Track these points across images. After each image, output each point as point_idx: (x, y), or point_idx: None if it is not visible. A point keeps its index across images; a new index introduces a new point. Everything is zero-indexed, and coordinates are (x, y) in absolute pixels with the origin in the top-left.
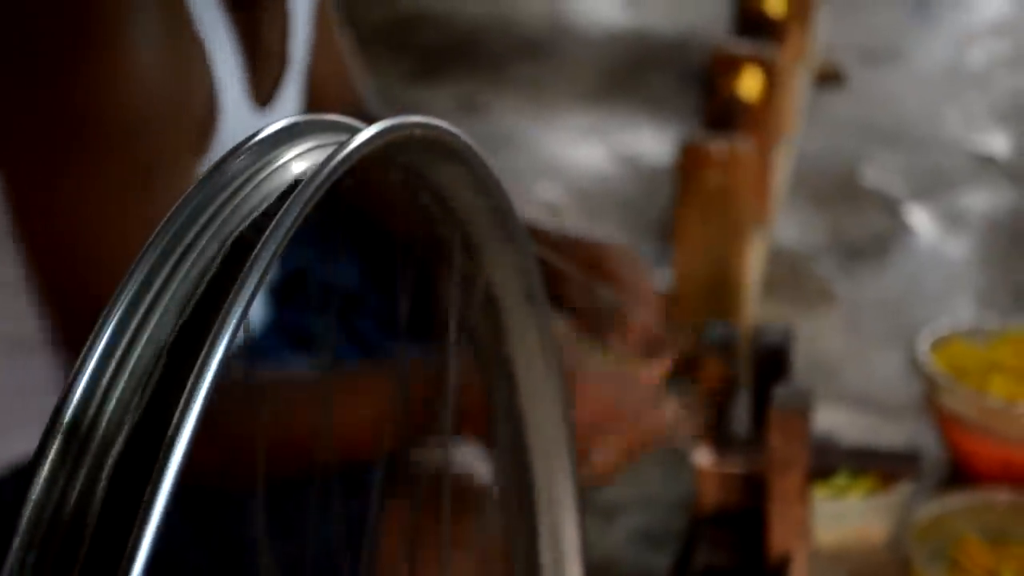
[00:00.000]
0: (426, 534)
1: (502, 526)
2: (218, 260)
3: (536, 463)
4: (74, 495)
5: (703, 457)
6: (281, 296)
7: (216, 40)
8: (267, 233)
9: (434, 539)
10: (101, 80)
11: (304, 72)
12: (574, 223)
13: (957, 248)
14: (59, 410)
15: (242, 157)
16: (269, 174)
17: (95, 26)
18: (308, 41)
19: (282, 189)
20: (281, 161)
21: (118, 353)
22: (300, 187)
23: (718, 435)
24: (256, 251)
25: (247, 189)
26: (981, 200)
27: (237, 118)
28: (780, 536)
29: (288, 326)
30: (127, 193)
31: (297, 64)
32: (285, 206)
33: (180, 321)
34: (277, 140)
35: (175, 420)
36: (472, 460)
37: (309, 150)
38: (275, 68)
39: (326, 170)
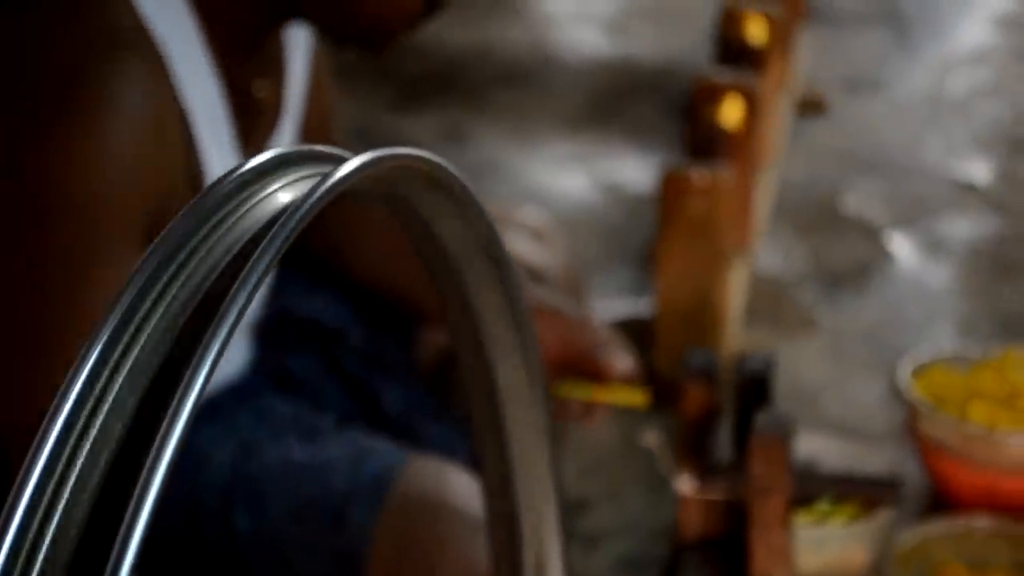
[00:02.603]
0: (414, 560)
1: (489, 552)
2: (190, 307)
3: (520, 488)
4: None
5: (685, 484)
6: (264, 335)
7: (205, 103)
8: (242, 275)
9: (423, 564)
10: (67, 158)
11: (300, 121)
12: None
13: (938, 276)
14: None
15: (224, 190)
16: (250, 207)
17: (75, 103)
18: (305, 89)
19: (259, 226)
20: (264, 193)
21: (98, 386)
22: (282, 219)
23: (700, 462)
24: (233, 291)
25: (228, 223)
26: (962, 228)
27: None
28: (762, 562)
29: (271, 366)
30: (69, 276)
31: (293, 113)
32: (265, 240)
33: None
34: (261, 172)
35: (140, 483)
36: (459, 483)
37: (294, 181)
38: (267, 118)
39: (309, 201)
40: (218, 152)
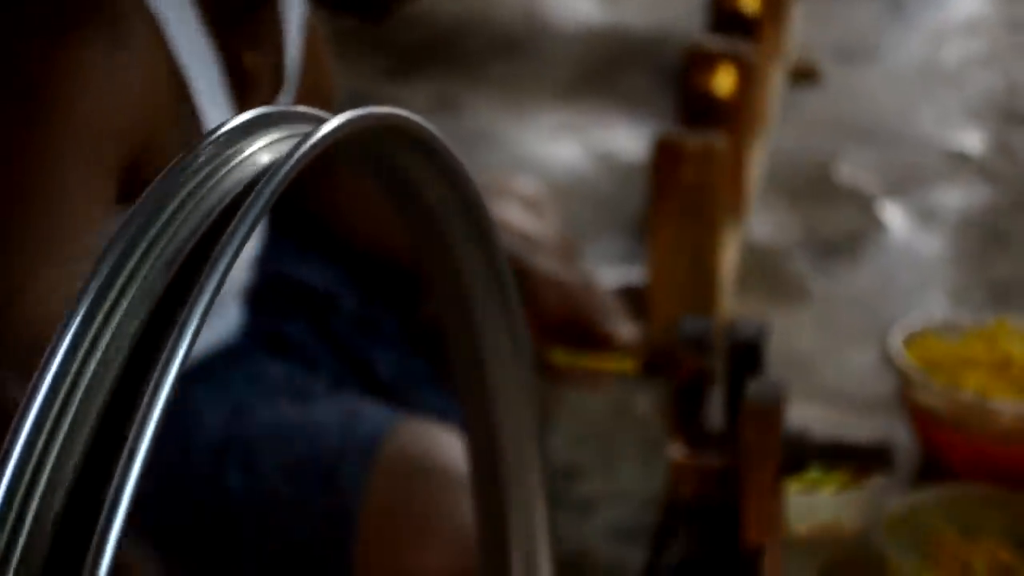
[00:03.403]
0: (405, 521)
1: (475, 514)
2: (173, 268)
3: (505, 450)
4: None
5: (677, 451)
6: (257, 300)
7: (200, 68)
8: (224, 236)
9: (414, 527)
10: (50, 81)
11: (296, 90)
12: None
13: (931, 244)
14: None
15: (204, 151)
16: (232, 168)
17: (70, 38)
18: (299, 58)
19: (240, 187)
20: (245, 154)
21: (79, 355)
22: (264, 179)
23: (692, 429)
24: (216, 252)
25: (209, 184)
26: (955, 197)
27: None
28: (753, 529)
29: (263, 330)
30: (27, 191)
31: (290, 83)
32: (247, 201)
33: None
34: (241, 131)
35: (126, 449)
36: (451, 446)
37: (275, 141)
38: (266, 89)
39: (291, 161)
40: (217, 116)
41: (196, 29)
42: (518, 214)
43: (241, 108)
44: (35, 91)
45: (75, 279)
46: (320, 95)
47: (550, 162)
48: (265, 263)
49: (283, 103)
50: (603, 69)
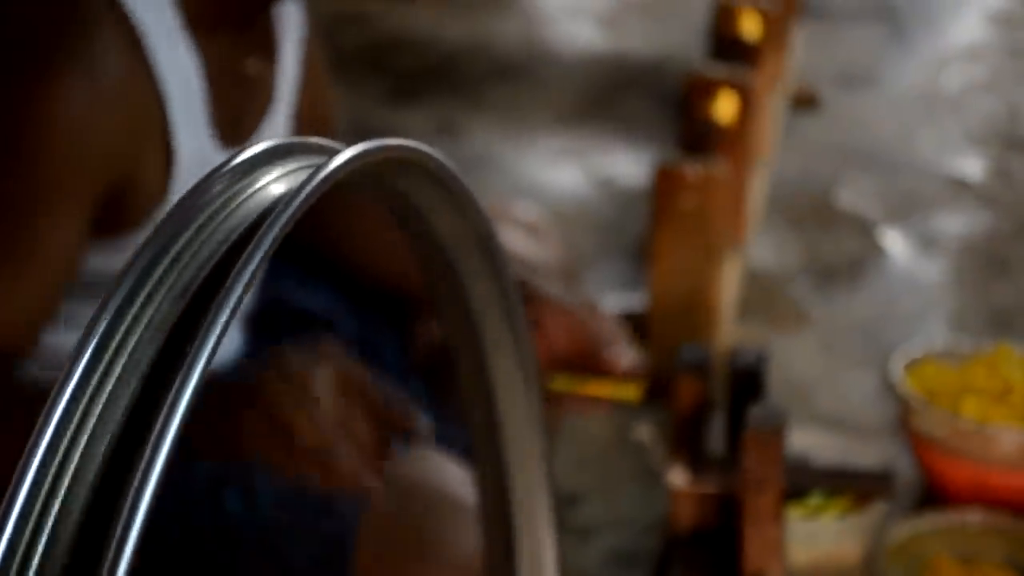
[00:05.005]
0: (403, 547)
1: (482, 540)
2: (185, 300)
3: (513, 478)
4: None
5: (678, 477)
6: (257, 326)
7: (180, 79)
8: (236, 268)
9: (412, 552)
10: (27, 111)
11: (293, 109)
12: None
13: (931, 271)
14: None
15: (217, 181)
16: (244, 200)
17: (42, 62)
18: (297, 77)
19: (253, 218)
20: (257, 185)
21: (96, 374)
22: (276, 212)
23: (693, 455)
24: (225, 288)
25: (222, 215)
26: (955, 223)
27: (200, 158)
28: (754, 556)
29: (264, 356)
30: (12, 224)
31: (285, 100)
32: (259, 232)
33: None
34: (254, 163)
35: (133, 486)
36: (450, 472)
37: (288, 173)
38: (255, 102)
39: (303, 193)
40: (190, 128)
41: (180, 44)
42: (519, 240)
43: (228, 117)
44: (14, 121)
45: (50, 307)
46: (319, 118)
47: (550, 187)
48: (265, 288)
49: (274, 120)
50: (603, 95)
